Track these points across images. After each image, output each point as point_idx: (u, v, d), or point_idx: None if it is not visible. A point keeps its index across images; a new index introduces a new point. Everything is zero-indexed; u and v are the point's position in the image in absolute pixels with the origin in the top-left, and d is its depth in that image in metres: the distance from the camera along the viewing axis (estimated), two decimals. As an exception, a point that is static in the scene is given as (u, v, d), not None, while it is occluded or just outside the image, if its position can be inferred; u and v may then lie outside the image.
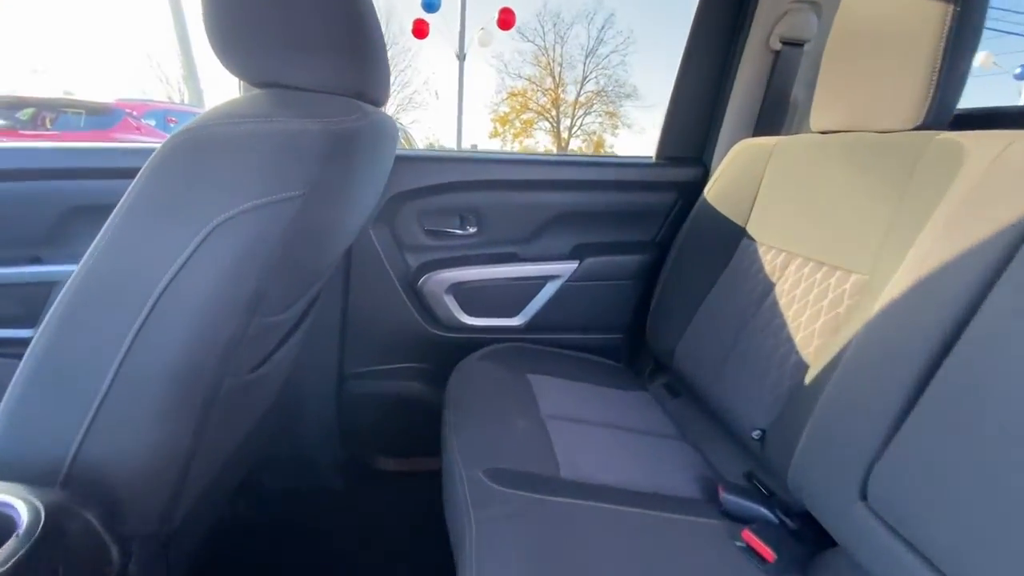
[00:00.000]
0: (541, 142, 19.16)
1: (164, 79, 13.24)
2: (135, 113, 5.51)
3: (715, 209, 0.95)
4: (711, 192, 0.98)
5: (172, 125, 5.60)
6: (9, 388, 0.42)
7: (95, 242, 0.42)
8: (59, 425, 0.42)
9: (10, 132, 5.00)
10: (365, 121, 0.53)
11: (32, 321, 1.01)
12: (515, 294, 1.13)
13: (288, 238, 0.46)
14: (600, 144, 19.19)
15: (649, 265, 1.12)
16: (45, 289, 0.99)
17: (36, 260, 1.02)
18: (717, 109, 1.08)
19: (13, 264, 0.99)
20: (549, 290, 1.12)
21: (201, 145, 0.42)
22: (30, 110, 5.21)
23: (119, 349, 0.41)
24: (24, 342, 0.91)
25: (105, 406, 0.42)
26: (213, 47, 0.51)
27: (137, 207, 0.42)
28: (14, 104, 5.23)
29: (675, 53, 1.08)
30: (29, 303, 1.00)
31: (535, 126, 19.19)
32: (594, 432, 0.80)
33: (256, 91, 0.51)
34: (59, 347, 0.42)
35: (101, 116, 5.25)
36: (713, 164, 1.10)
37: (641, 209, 1.14)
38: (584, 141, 19.24)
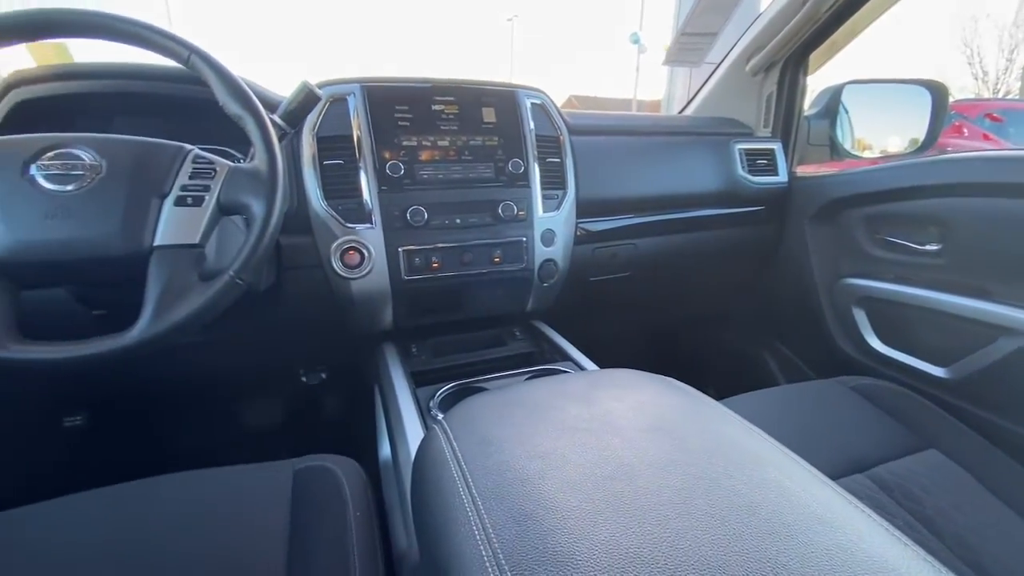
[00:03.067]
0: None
1: (979, 75, 12.34)
2: (965, 115, 4.83)
3: None
4: None
5: (997, 124, 4.69)
6: None
7: None
8: None
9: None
10: None
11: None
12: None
13: None
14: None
15: None
16: (990, 332, 0.76)
17: (983, 293, 0.80)
18: None
19: (960, 293, 0.82)
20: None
21: None
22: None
23: None
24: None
25: None
26: None
27: None
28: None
29: None
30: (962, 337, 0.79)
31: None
32: None
33: None
34: None
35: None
36: None
37: None
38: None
